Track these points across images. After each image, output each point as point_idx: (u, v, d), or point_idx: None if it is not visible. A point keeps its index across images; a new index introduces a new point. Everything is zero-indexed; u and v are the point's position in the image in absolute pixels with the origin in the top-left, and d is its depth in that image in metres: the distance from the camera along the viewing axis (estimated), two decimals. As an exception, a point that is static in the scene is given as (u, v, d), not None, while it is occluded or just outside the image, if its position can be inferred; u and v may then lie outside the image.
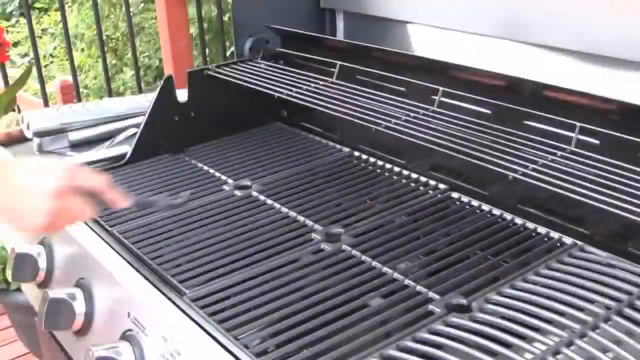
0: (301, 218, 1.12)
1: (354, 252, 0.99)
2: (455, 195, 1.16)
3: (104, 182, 0.88)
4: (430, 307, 0.85)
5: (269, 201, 1.18)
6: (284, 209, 1.15)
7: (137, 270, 0.99)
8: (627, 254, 0.94)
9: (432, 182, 1.23)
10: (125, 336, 0.92)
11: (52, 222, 0.82)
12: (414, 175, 1.26)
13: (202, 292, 0.92)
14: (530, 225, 1.04)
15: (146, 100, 1.52)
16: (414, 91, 1.29)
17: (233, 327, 0.84)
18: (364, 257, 0.98)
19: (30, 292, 1.30)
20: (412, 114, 1.23)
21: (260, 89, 1.37)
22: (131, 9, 2.83)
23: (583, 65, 1.23)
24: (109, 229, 1.10)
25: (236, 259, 1.00)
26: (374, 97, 1.31)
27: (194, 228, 1.10)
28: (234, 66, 1.52)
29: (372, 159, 1.34)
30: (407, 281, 0.92)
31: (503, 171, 1.03)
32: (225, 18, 2.90)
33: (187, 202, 1.06)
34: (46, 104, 2.82)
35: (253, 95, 1.38)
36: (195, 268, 0.98)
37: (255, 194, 1.21)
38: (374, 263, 0.96)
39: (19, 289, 1.88)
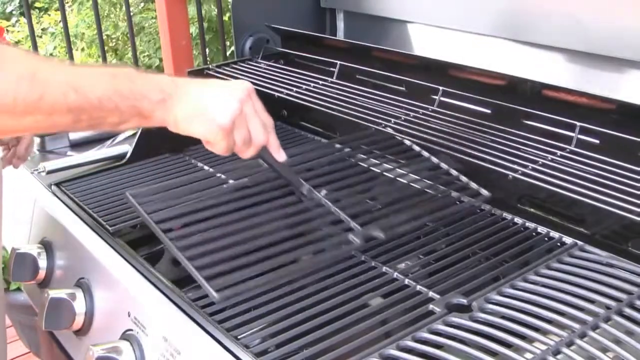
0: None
1: (354, 252, 0.99)
2: (455, 195, 1.15)
3: (271, 122, 0.97)
4: (431, 306, 0.85)
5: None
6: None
7: (137, 270, 0.99)
8: (627, 254, 0.94)
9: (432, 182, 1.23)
10: (125, 336, 0.92)
11: (235, 124, 0.89)
12: (414, 175, 1.26)
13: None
14: (531, 224, 1.04)
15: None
16: (414, 91, 1.29)
17: (233, 327, 0.84)
18: (363, 257, 0.97)
19: (30, 292, 1.30)
20: (412, 114, 1.23)
21: (260, 88, 1.37)
22: (131, 9, 2.83)
23: (583, 65, 1.23)
24: (109, 228, 1.10)
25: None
26: (374, 96, 1.31)
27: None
28: (234, 66, 1.52)
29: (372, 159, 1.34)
30: (407, 281, 0.92)
31: (503, 171, 1.03)
32: (225, 18, 2.90)
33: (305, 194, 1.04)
34: (46, 103, 2.80)
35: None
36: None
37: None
38: (374, 263, 0.96)
39: (19, 289, 1.88)
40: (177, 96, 0.88)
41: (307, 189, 1.03)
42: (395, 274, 0.93)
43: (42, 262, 1.15)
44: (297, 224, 0.97)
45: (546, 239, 1.01)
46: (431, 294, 0.89)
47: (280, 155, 1.00)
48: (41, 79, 0.77)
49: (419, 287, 0.90)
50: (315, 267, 0.92)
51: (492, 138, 1.12)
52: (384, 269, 0.95)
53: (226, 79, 0.94)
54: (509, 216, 1.07)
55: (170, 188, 1.03)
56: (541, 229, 1.03)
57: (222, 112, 0.89)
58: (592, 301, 0.83)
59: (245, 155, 0.96)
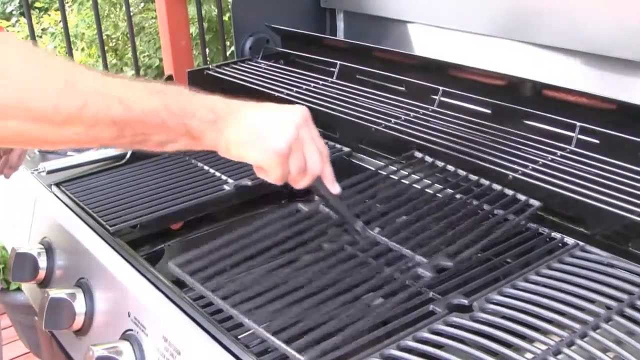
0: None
1: (354, 251, 0.98)
2: (456, 195, 1.15)
3: (327, 151, 0.90)
4: (432, 307, 0.85)
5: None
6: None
7: (137, 270, 0.99)
8: (627, 254, 0.94)
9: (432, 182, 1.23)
10: (125, 336, 0.92)
11: (291, 150, 0.83)
12: (414, 176, 1.26)
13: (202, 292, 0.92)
14: (531, 225, 1.04)
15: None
16: (414, 91, 1.30)
17: (233, 327, 0.84)
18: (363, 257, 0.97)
19: (30, 292, 1.30)
20: (412, 114, 1.23)
21: (260, 88, 1.37)
22: (131, 9, 2.83)
23: (583, 65, 1.23)
24: (109, 228, 1.10)
25: (237, 257, 1.00)
26: (374, 96, 1.31)
27: (191, 228, 1.10)
28: (234, 66, 1.52)
29: (372, 160, 1.34)
30: (408, 281, 0.92)
31: (503, 171, 1.03)
32: (225, 18, 2.90)
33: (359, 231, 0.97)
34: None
35: (253, 95, 1.38)
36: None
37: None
38: (374, 263, 0.96)
39: (19, 289, 1.88)
40: (229, 118, 0.82)
41: (360, 226, 0.96)
42: (396, 274, 0.93)
43: (42, 262, 1.15)
44: (358, 266, 0.91)
45: (547, 239, 1.00)
46: (432, 294, 0.89)
47: (334, 188, 0.93)
48: (84, 87, 0.71)
49: (419, 288, 0.90)
50: (392, 313, 0.84)
51: (492, 138, 1.12)
52: (385, 268, 0.94)
53: (278, 104, 0.88)
54: (510, 216, 1.07)
55: (214, 249, 0.94)
56: (542, 229, 1.03)
57: (279, 137, 0.82)
58: (592, 301, 0.83)
59: (299, 185, 0.89)
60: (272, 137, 0.82)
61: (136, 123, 0.75)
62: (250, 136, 0.82)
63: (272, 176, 0.85)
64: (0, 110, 0.66)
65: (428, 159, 1.16)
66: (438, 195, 1.08)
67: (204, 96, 0.82)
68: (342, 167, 1.37)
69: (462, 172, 1.11)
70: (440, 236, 0.96)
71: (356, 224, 0.96)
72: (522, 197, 1.04)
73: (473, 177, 1.10)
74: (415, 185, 1.11)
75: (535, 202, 1.02)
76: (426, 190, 1.10)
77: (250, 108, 0.84)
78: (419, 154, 1.17)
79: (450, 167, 1.13)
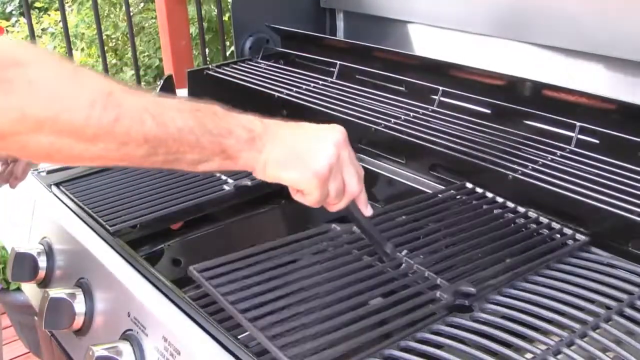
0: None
1: (354, 251, 0.98)
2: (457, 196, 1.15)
3: (363, 173, 0.87)
4: (431, 306, 0.85)
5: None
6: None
7: (137, 270, 0.99)
8: (627, 254, 0.94)
9: (433, 183, 1.23)
10: (125, 336, 0.92)
11: (331, 169, 0.80)
12: (414, 176, 1.26)
13: (203, 292, 0.92)
14: (531, 225, 1.04)
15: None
16: (414, 91, 1.29)
17: (233, 327, 0.84)
18: (364, 257, 0.97)
19: (30, 292, 1.30)
20: (412, 114, 1.23)
21: (260, 88, 1.37)
22: (131, 9, 2.83)
23: (583, 65, 1.23)
24: (109, 228, 1.10)
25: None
26: (373, 96, 1.31)
27: (191, 228, 1.10)
28: (234, 66, 1.52)
29: (372, 160, 1.34)
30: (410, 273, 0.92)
31: (503, 171, 1.03)
32: (225, 18, 2.90)
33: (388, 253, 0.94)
34: (46, 103, 2.81)
35: (253, 95, 1.38)
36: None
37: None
38: (375, 263, 0.96)
39: (19, 289, 1.88)
40: (267, 137, 0.79)
41: (390, 248, 0.94)
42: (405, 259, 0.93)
43: (42, 262, 1.15)
44: (386, 290, 0.88)
45: (547, 239, 1.00)
46: (432, 293, 0.89)
47: (368, 210, 0.89)
48: (117, 100, 0.68)
49: (419, 288, 0.90)
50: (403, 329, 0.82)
51: (492, 138, 1.12)
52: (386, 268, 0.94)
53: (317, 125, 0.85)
54: (510, 216, 1.07)
55: (237, 259, 0.91)
56: (541, 229, 1.03)
57: (319, 158, 0.79)
58: (592, 301, 0.83)
59: (334, 208, 0.86)
60: (313, 159, 0.80)
61: (170, 141, 0.72)
62: (289, 157, 0.79)
63: (310, 199, 0.82)
64: (34, 124, 0.65)
65: (479, 190, 1.12)
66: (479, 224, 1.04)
67: (239, 115, 0.79)
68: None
69: (510, 204, 1.07)
70: (469, 263, 0.93)
71: (386, 247, 0.94)
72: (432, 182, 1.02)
73: (521, 209, 1.06)
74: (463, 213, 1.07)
75: (581, 237, 0.99)
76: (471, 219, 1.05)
77: (288, 128, 0.82)
78: (469, 185, 1.13)
79: (499, 199, 1.09)
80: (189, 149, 0.74)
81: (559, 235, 0.99)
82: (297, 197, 0.83)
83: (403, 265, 0.93)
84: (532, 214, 1.04)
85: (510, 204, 1.06)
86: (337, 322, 0.80)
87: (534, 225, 1.02)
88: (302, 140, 0.81)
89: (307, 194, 0.81)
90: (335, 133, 0.82)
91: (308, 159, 0.79)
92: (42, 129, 0.65)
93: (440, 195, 1.11)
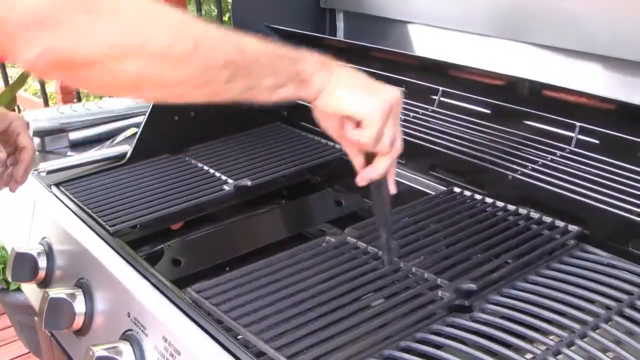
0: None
1: (352, 259, 0.98)
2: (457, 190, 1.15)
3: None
4: (431, 307, 0.85)
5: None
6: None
7: (137, 270, 0.99)
8: (627, 254, 0.94)
9: (433, 184, 1.23)
10: (125, 336, 0.92)
11: (391, 108, 0.81)
12: (414, 176, 1.26)
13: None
14: (531, 225, 1.04)
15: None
16: (414, 91, 1.29)
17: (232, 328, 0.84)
18: (365, 257, 0.97)
19: (30, 292, 1.31)
20: (412, 114, 1.23)
21: (260, 88, 1.37)
22: (131, 9, 2.82)
23: (583, 65, 1.23)
24: (109, 228, 1.10)
25: (234, 258, 1.00)
26: (374, 97, 1.30)
27: (191, 228, 1.10)
28: (234, 66, 1.52)
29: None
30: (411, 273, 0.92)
31: (503, 171, 1.03)
32: (225, 18, 2.90)
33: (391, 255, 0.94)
34: (46, 103, 2.81)
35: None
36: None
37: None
38: (376, 263, 0.96)
39: (19, 289, 1.88)
40: (334, 65, 0.82)
41: (396, 245, 0.94)
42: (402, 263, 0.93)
43: (42, 262, 1.15)
44: (386, 294, 0.88)
45: (547, 239, 1.00)
46: (433, 294, 0.89)
47: (393, 187, 0.89)
48: (198, 28, 0.72)
49: (419, 289, 0.90)
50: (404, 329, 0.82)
51: (492, 138, 1.12)
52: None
53: None
54: (510, 217, 1.07)
55: (235, 277, 0.92)
56: (542, 230, 1.03)
57: (384, 93, 0.81)
58: (592, 301, 0.83)
59: (380, 164, 0.85)
60: (379, 92, 0.81)
61: (248, 66, 0.75)
62: (357, 84, 0.81)
63: (368, 132, 0.81)
64: (122, 51, 0.67)
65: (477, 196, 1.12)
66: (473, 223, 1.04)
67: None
68: (342, 168, 1.37)
69: (511, 207, 1.07)
70: (468, 262, 0.94)
71: (392, 243, 0.94)
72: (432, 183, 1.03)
73: (523, 211, 1.05)
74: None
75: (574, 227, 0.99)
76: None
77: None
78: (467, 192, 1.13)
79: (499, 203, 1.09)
80: (266, 73, 0.77)
81: (559, 235, 0.99)
82: (351, 133, 0.82)
83: (402, 267, 0.93)
84: (534, 214, 1.03)
85: (511, 207, 1.06)
86: (339, 328, 0.80)
87: (535, 226, 1.02)
88: (366, 78, 0.83)
89: (367, 126, 0.80)
90: (395, 89, 0.84)
91: (374, 90, 0.81)
92: (130, 55, 0.68)
93: (441, 197, 1.11)
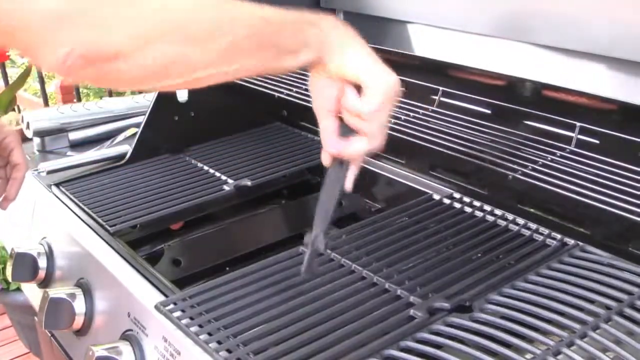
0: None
1: (344, 259, 0.96)
2: (456, 195, 1.15)
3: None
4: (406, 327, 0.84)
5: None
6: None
7: (137, 270, 0.99)
8: (627, 254, 0.94)
9: (433, 184, 1.23)
10: (125, 336, 0.92)
11: (395, 90, 0.79)
12: (414, 176, 1.26)
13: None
14: (531, 225, 1.04)
15: (146, 100, 1.52)
16: (414, 91, 1.29)
17: (233, 327, 0.84)
18: (354, 266, 0.95)
19: (30, 292, 1.31)
20: (412, 114, 1.23)
21: (260, 89, 1.37)
22: (131, 9, 2.81)
23: (583, 65, 1.23)
24: (109, 228, 1.10)
25: (234, 258, 1.00)
26: (374, 97, 1.30)
27: (191, 228, 1.10)
28: (234, 66, 1.51)
29: (372, 160, 1.34)
30: (408, 282, 0.92)
31: (503, 171, 1.03)
32: (225, 18, 2.90)
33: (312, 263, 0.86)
34: (46, 103, 2.81)
35: (253, 95, 1.38)
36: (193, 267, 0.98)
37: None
38: (366, 271, 0.95)
39: (19, 289, 1.88)
40: (349, 31, 0.79)
41: (323, 242, 0.82)
42: (396, 276, 0.93)
43: (42, 262, 1.15)
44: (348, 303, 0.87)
45: (547, 239, 1.00)
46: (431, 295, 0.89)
47: (350, 184, 0.84)
48: (213, 6, 0.72)
49: (419, 290, 0.90)
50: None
51: (492, 138, 1.12)
52: (386, 270, 0.94)
53: None
54: (510, 216, 1.07)
55: (207, 289, 0.90)
56: (541, 230, 1.03)
57: (392, 73, 0.80)
58: (592, 301, 0.83)
59: (357, 144, 0.80)
60: (388, 69, 0.79)
61: (274, 31, 0.74)
62: (368, 52, 0.79)
63: (372, 101, 0.78)
64: (147, 40, 0.66)
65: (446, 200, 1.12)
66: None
67: None
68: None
69: (510, 216, 1.06)
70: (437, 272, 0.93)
71: (322, 240, 0.82)
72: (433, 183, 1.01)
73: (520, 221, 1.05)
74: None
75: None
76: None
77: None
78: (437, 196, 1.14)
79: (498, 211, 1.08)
80: (289, 35, 0.75)
81: (558, 235, 0.99)
82: (353, 99, 0.79)
83: (375, 281, 0.91)
84: (531, 224, 1.03)
85: (509, 216, 1.06)
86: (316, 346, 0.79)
87: (534, 225, 1.02)
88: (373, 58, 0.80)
89: (372, 95, 0.78)
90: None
91: (384, 66, 0.79)
92: (155, 41, 0.67)
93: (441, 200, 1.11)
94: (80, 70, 0.66)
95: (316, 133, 1.46)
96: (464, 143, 1.11)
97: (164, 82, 0.72)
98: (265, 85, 1.38)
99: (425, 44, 1.52)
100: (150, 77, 0.70)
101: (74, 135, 1.48)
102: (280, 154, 1.37)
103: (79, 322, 1.02)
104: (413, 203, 1.12)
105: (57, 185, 1.26)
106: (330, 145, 0.82)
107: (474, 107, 1.20)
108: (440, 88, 1.24)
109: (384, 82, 0.78)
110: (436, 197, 1.14)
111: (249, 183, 1.24)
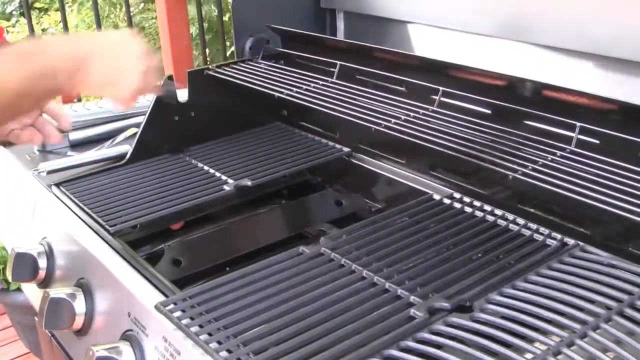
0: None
1: (344, 259, 0.97)
2: (456, 195, 1.15)
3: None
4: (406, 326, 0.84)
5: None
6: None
7: (137, 270, 0.99)
8: (627, 254, 0.94)
9: (433, 184, 1.23)
10: (125, 336, 0.92)
11: (144, 83, 0.91)
12: (414, 176, 1.26)
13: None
14: (531, 225, 1.04)
15: (146, 100, 1.52)
16: (414, 91, 1.29)
17: (233, 327, 0.84)
18: (354, 266, 0.95)
19: (30, 292, 1.30)
20: (412, 114, 1.23)
21: (260, 89, 1.37)
22: (131, 9, 2.83)
23: (583, 65, 1.23)
24: (109, 228, 1.10)
25: (234, 258, 1.00)
26: (374, 97, 1.30)
27: (192, 228, 1.10)
28: (234, 66, 1.52)
29: (372, 160, 1.34)
30: (408, 282, 0.92)
31: (503, 171, 1.03)
32: (225, 18, 2.90)
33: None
34: (46, 103, 2.80)
35: (253, 95, 1.38)
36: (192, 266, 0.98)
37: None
38: (366, 271, 0.95)
39: (19, 289, 1.88)
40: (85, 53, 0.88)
41: None
42: (396, 276, 0.93)
43: (42, 262, 1.15)
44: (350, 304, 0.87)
45: (547, 239, 1.00)
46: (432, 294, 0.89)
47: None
48: None
49: (419, 290, 0.90)
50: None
51: (492, 138, 1.12)
52: (386, 270, 0.94)
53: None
54: (510, 216, 1.07)
55: (206, 289, 0.90)
56: (542, 230, 1.03)
57: (130, 78, 0.91)
58: (592, 302, 0.83)
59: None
60: (126, 82, 0.92)
61: (11, 103, 0.84)
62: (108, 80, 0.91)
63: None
64: None
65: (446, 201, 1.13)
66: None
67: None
68: (341, 168, 1.37)
69: (510, 216, 1.07)
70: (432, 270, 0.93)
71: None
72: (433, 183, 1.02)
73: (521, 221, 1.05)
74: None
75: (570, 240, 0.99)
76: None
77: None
78: (437, 196, 1.14)
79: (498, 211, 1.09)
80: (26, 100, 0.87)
81: (559, 235, 0.99)
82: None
83: (375, 281, 0.91)
84: (532, 224, 1.03)
85: (510, 216, 1.06)
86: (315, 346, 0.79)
87: (534, 225, 1.02)
88: (112, 63, 0.90)
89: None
90: (138, 44, 0.92)
91: (119, 84, 0.92)
92: None
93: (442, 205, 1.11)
94: None
95: (316, 133, 1.46)
96: (464, 143, 1.10)
97: None
98: (265, 85, 1.38)
99: (425, 44, 1.52)
100: None
101: (74, 135, 1.48)
102: (280, 154, 1.37)
103: (79, 322, 1.02)
104: (413, 203, 1.12)
105: (57, 185, 1.26)
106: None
107: (474, 107, 1.20)
108: (441, 88, 1.24)
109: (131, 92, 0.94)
110: (436, 197, 1.14)
111: (249, 183, 1.24)
